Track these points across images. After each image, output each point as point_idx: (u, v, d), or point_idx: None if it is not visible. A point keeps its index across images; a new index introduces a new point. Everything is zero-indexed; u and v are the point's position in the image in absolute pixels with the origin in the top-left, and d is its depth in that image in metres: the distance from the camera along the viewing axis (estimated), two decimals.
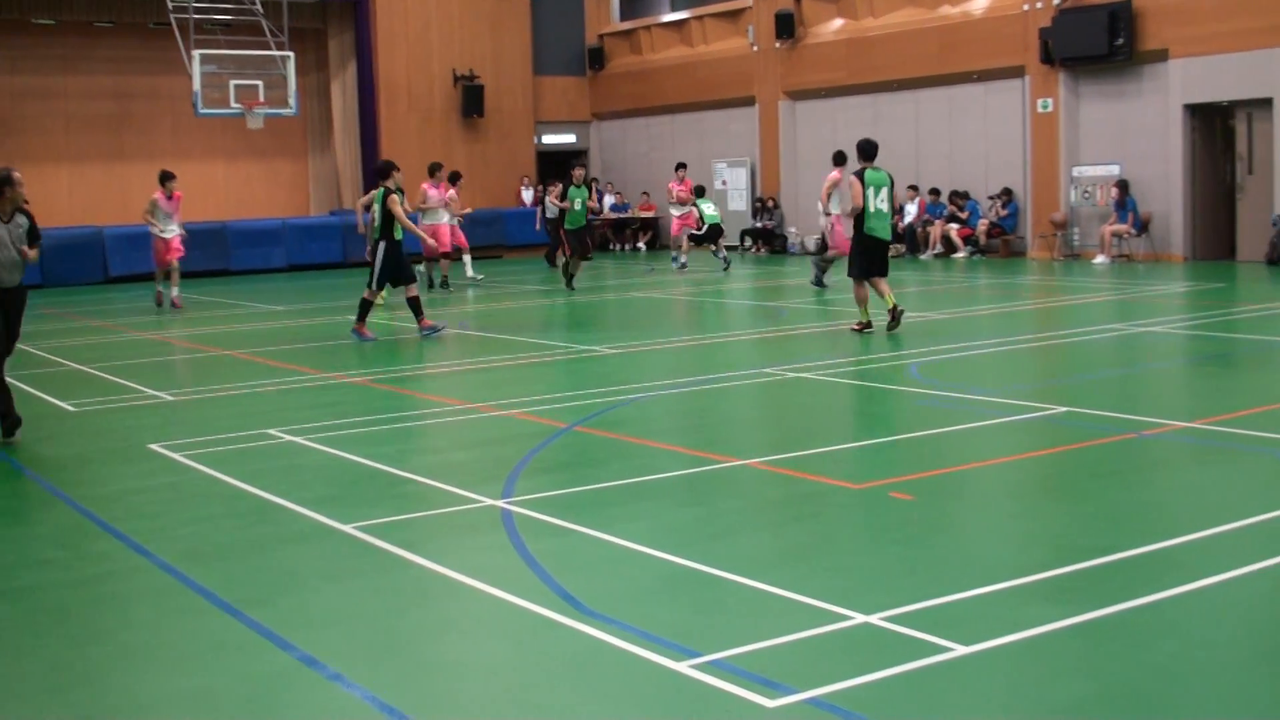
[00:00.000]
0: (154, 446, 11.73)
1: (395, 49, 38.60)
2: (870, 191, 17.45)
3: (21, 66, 35.78)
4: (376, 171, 19.88)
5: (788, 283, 27.99)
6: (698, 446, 11.28)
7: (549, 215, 33.62)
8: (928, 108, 33.67)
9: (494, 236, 38.27)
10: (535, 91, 41.41)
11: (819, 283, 25.07)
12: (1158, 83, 28.71)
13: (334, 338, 19.92)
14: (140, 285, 30.65)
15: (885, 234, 17.80)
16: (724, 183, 38.37)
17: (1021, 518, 8.93)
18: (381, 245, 19.08)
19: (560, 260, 27.99)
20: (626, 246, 41.12)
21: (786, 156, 37.28)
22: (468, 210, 30.04)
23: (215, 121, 35.04)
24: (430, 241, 20.20)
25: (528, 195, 39.71)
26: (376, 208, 19.22)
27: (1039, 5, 30.51)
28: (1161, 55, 28.41)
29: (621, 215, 41.22)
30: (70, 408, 13.74)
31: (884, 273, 17.96)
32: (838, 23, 35.73)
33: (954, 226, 32.37)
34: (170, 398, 14.60)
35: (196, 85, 32.23)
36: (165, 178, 24.96)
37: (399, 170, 19.80)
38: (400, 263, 19.24)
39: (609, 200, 40.49)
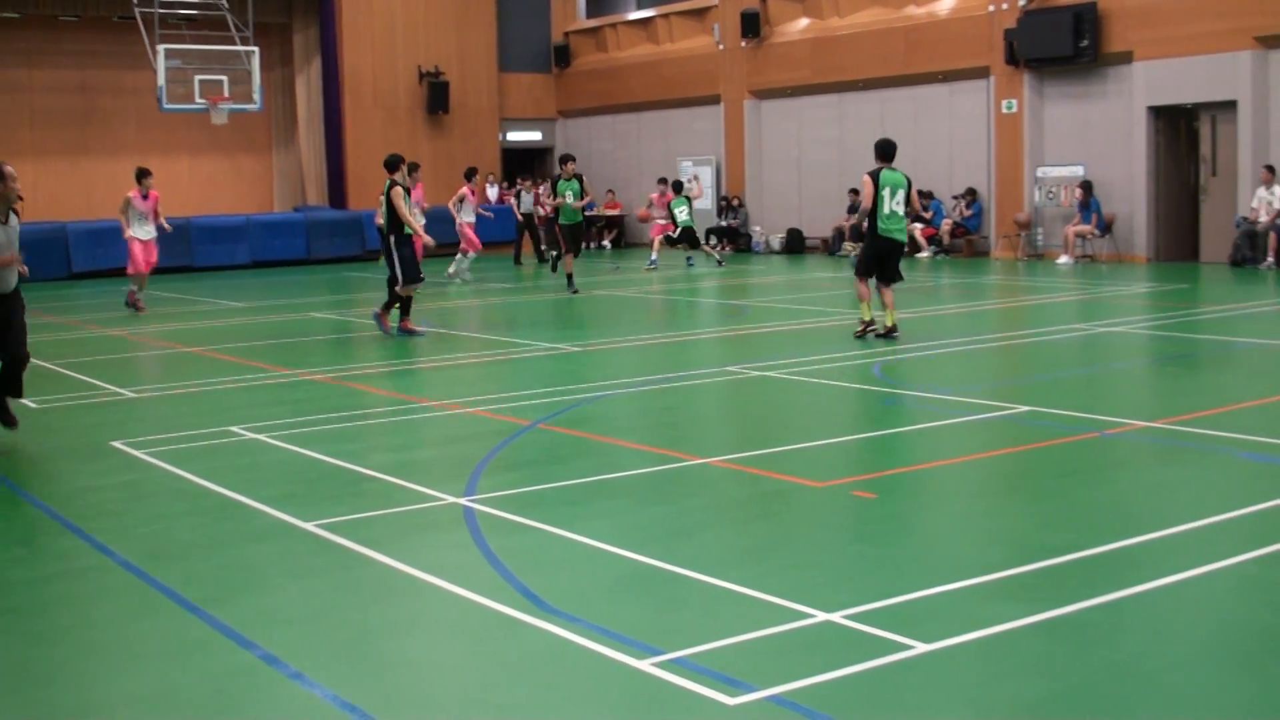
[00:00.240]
0: (116, 444, 11.68)
1: (360, 45, 38.50)
2: (886, 192, 16.92)
3: None
4: (385, 165, 19.62)
5: (753, 281, 28.02)
6: (661, 444, 11.29)
7: (524, 211, 33.70)
8: (893, 107, 33.74)
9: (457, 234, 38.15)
10: (501, 88, 41.36)
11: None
12: (1122, 84, 28.85)
13: (297, 334, 19.87)
14: (104, 281, 30.53)
15: (900, 235, 17.31)
16: (694, 177, 38.38)
17: (983, 516, 8.96)
18: (392, 239, 19.00)
19: (550, 256, 27.72)
20: (592, 245, 41.05)
21: (752, 155, 37.32)
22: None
23: (180, 117, 34.89)
24: (429, 240, 19.84)
25: (493, 192, 39.62)
26: (382, 200, 19.14)
27: (1004, 6, 30.61)
28: (1126, 57, 28.54)
29: (587, 213, 41.09)
30: (33, 405, 13.67)
31: (895, 278, 17.42)
32: (803, 22, 35.79)
33: (918, 226, 32.40)
34: (132, 395, 14.54)
35: (161, 80, 32.15)
36: (140, 175, 23.65)
37: (417, 167, 19.69)
38: (415, 255, 19.22)
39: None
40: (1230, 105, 27.15)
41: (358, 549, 8.19)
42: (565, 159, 26.55)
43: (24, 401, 13.44)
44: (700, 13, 38.50)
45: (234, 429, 12.20)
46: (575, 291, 25.09)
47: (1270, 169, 26.24)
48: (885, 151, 17.23)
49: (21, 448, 11.83)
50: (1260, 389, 13.55)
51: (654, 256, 31.36)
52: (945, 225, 32.06)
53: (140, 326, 21.17)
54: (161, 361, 17.71)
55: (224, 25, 33.47)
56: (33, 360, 12.46)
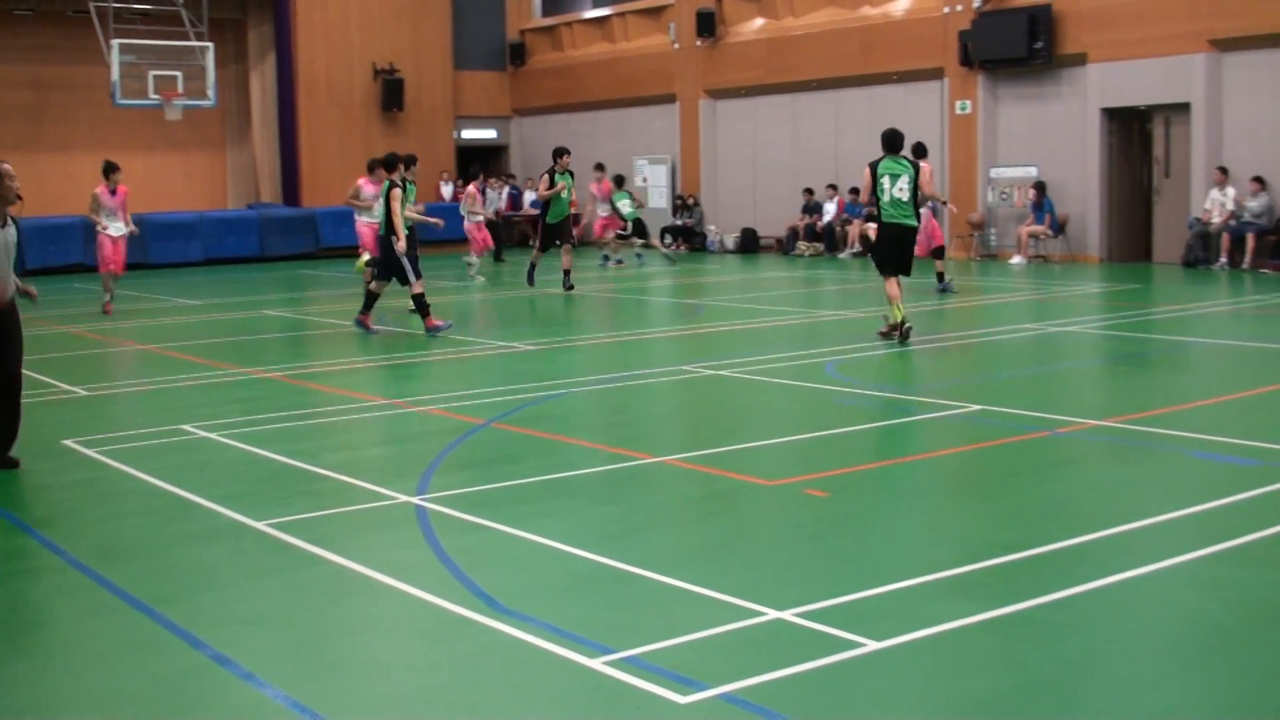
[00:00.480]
0: (68, 442, 11.62)
1: (314, 41, 38.36)
2: (886, 180, 16.77)
3: None
4: (382, 164, 19.28)
5: (708, 280, 28.05)
6: (615, 443, 11.30)
7: (493, 210, 33.64)
8: (848, 108, 33.82)
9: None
10: (455, 86, 41.26)
11: (945, 288, 23.29)
12: (1076, 86, 29.00)
13: (251, 332, 19.80)
14: (57, 279, 30.34)
15: (909, 220, 17.04)
16: (645, 179, 38.36)
17: (934, 514, 9.00)
18: (392, 240, 18.68)
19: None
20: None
21: (707, 154, 37.35)
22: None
23: (133, 112, 34.70)
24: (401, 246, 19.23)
25: (447, 190, 39.54)
26: (382, 201, 18.87)
27: (959, 8, 30.72)
28: (1080, 59, 28.69)
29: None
30: None
31: (905, 270, 17.19)
32: (758, 22, 35.85)
33: (871, 226, 32.32)
34: (85, 393, 14.46)
35: (115, 75, 32.00)
36: (108, 170, 22.79)
37: (415, 161, 19.50)
38: (414, 251, 18.91)
39: (529, 196, 40.36)
40: (1183, 107, 27.32)
41: (310, 548, 8.17)
42: (561, 151, 25.39)
43: None
44: (656, 12, 38.50)
45: (186, 428, 12.15)
46: (531, 284, 25.23)
47: (1223, 171, 26.43)
48: (891, 142, 17.11)
49: None
50: (1211, 388, 13.66)
51: (617, 256, 31.33)
52: None
53: (94, 324, 21.04)
54: (115, 360, 17.62)
55: (178, 20, 33.34)
56: None
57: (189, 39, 33.04)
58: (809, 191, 34.31)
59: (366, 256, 23.46)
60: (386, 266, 19.01)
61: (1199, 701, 5.70)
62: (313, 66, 38.33)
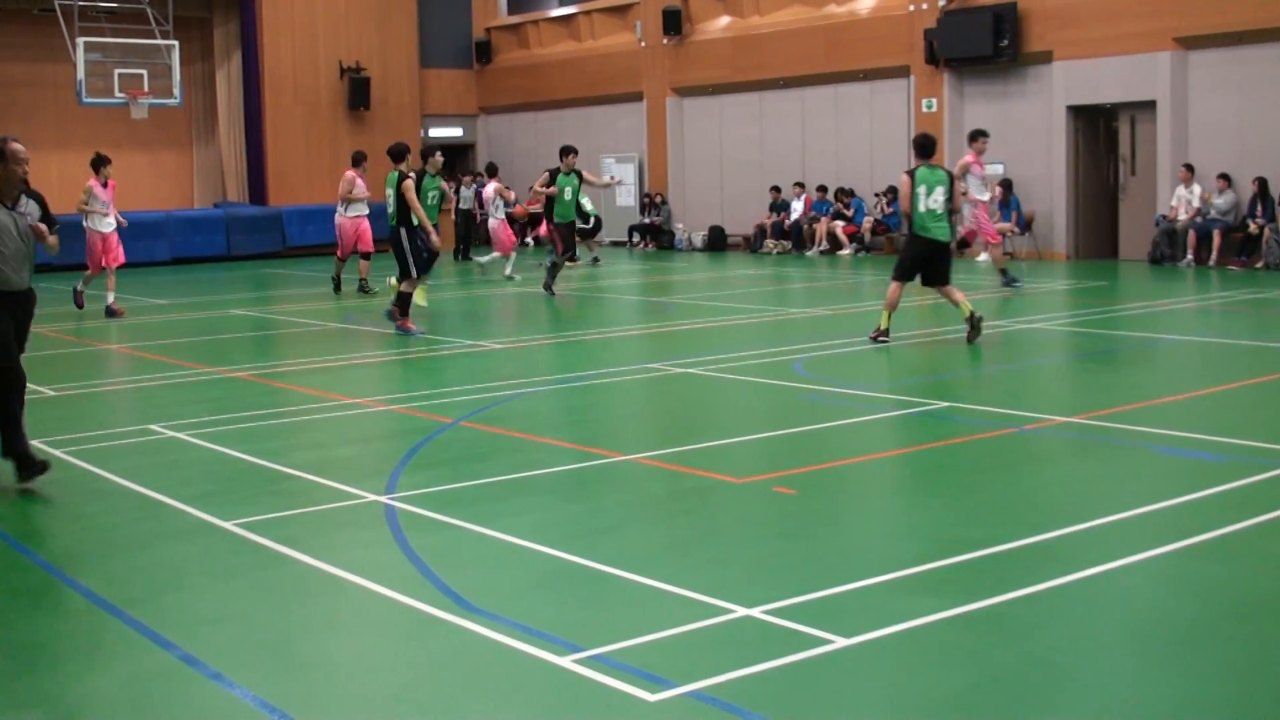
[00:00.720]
0: (35, 443, 11.53)
1: (280, 39, 38.21)
2: (922, 190, 16.42)
3: None
4: (390, 154, 19.03)
5: (676, 278, 28.07)
6: (583, 441, 11.30)
7: (463, 207, 33.52)
8: (814, 106, 33.89)
9: (380, 230, 37.81)
10: (422, 84, 41.17)
11: (1010, 282, 23.02)
12: (1042, 84, 29.10)
13: (218, 331, 19.74)
14: None
15: (942, 234, 16.53)
16: (613, 178, 38.31)
17: (902, 511, 9.03)
18: (402, 231, 18.36)
19: (550, 260, 26.09)
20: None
21: (674, 153, 37.36)
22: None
23: (99, 111, 34.48)
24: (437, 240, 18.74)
25: None
26: (391, 193, 18.50)
27: (924, 6, 30.79)
28: (1046, 57, 28.79)
29: (509, 210, 40.97)
30: None
31: (945, 280, 16.63)
32: (724, 20, 35.87)
33: (839, 224, 32.60)
34: (51, 393, 14.38)
35: (80, 74, 31.85)
36: (100, 162, 22.29)
37: (432, 156, 19.35)
38: (425, 246, 18.54)
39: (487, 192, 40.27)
40: (1149, 105, 27.43)
41: (278, 548, 8.15)
42: (567, 150, 24.35)
43: None
44: (622, 10, 38.48)
45: (153, 427, 12.11)
46: (553, 294, 23.58)
47: (1189, 168, 26.55)
48: (925, 148, 16.83)
49: None
50: (1178, 385, 13.73)
51: (593, 254, 31.28)
52: (866, 223, 32.20)
53: (60, 324, 20.93)
54: (82, 359, 17.53)
55: (144, 19, 33.19)
56: None
57: (154, 37, 32.90)
58: (776, 189, 34.35)
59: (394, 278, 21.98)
60: (402, 260, 18.58)
61: (1166, 697, 5.72)
62: (279, 65, 38.18)
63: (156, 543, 8.49)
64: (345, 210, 25.21)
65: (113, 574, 7.82)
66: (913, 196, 16.46)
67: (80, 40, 31.77)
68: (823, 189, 33.31)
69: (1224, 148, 26.48)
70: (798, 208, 33.73)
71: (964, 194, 21.96)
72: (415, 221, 18.41)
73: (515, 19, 42.20)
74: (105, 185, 22.14)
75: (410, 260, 18.38)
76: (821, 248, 32.69)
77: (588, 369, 15.26)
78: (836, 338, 17.05)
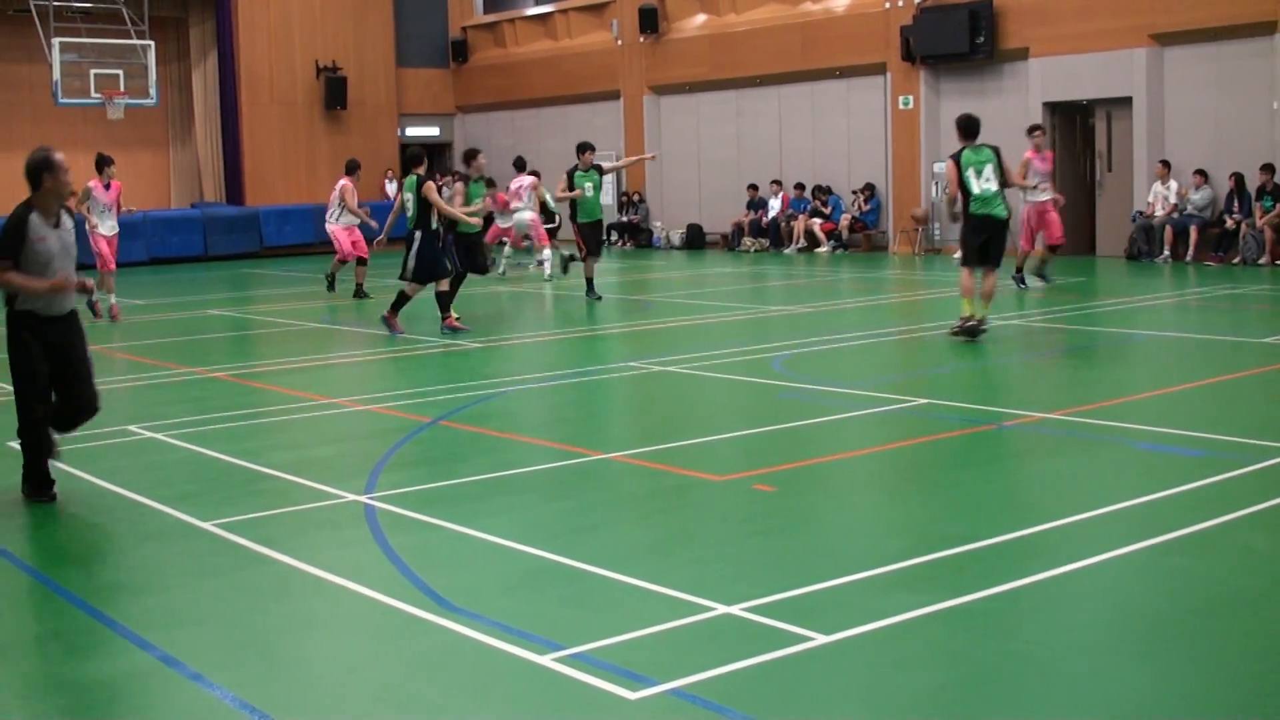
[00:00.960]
0: (12, 444, 11.50)
1: (256, 39, 38.13)
2: (971, 172, 16.14)
3: None
4: (409, 159, 18.77)
5: (654, 277, 28.07)
6: (563, 440, 11.29)
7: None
8: (791, 103, 33.92)
9: (373, 232, 37.74)
10: (399, 83, 41.12)
11: (1044, 277, 22.95)
12: (1018, 81, 29.16)
13: (196, 332, 19.69)
14: None
15: (1000, 212, 16.26)
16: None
17: (882, 508, 9.04)
18: (417, 235, 18.04)
19: (563, 260, 25.94)
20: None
21: (651, 151, 37.29)
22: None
23: (75, 111, 34.38)
24: (476, 222, 18.30)
25: (391, 189, 39.39)
26: (409, 196, 18.16)
27: (900, 3, 30.82)
28: (1022, 54, 28.85)
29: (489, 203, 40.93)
30: None
31: (997, 263, 16.39)
32: (701, 18, 35.88)
33: (817, 221, 32.63)
34: None
35: (56, 74, 31.77)
36: (103, 163, 21.38)
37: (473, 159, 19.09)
38: (436, 255, 18.16)
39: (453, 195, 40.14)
40: (1125, 101, 27.50)
41: (257, 548, 8.13)
42: (584, 147, 23.62)
43: None
44: (599, 8, 38.46)
45: (132, 428, 12.07)
46: (598, 297, 22.62)
47: (1165, 164, 26.63)
48: (968, 129, 16.50)
49: None
50: (1156, 380, 13.76)
51: (566, 253, 30.45)
52: (844, 220, 32.25)
53: None
54: None
55: (119, 19, 33.12)
56: None
57: (130, 37, 32.83)
58: (754, 187, 34.38)
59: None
60: (405, 263, 18.29)
61: (1146, 692, 5.74)
62: (255, 65, 38.11)
63: (136, 544, 8.48)
64: (339, 219, 24.72)
65: (92, 575, 7.80)
66: (962, 180, 16.18)
67: (56, 40, 31.67)
68: (800, 187, 33.34)
69: (1200, 144, 26.56)
70: (775, 206, 33.76)
71: (1032, 185, 22.00)
72: (434, 226, 18.12)
73: (491, 18, 42.15)
74: (108, 187, 21.47)
75: (411, 265, 18.09)
76: (799, 245, 32.72)
77: (567, 368, 15.26)
78: (815, 335, 17.06)
